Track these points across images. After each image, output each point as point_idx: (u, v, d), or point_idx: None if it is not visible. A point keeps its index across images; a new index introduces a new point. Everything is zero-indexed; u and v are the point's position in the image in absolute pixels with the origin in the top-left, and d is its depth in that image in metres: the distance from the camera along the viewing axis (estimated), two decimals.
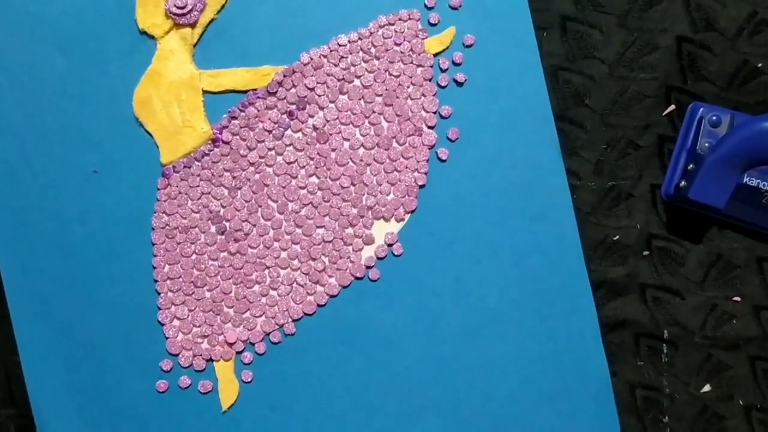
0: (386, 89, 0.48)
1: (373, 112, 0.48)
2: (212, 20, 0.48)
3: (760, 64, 0.49)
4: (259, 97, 0.48)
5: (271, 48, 0.48)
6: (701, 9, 0.49)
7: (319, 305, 0.48)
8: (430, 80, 0.48)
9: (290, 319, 0.48)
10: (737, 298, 0.49)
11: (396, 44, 0.48)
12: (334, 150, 0.48)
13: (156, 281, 0.48)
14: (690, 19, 0.49)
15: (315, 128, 0.48)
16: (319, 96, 0.48)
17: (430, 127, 0.48)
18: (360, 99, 0.48)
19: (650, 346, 0.50)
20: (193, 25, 0.48)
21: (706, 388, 0.49)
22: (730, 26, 0.49)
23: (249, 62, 0.48)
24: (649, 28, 0.50)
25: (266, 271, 0.48)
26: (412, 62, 0.48)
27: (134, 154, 0.48)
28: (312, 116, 0.48)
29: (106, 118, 0.48)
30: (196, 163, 0.48)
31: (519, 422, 0.48)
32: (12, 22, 0.48)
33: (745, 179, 0.48)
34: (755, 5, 0.49)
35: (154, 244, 0.48)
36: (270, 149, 0.48)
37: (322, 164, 0.48)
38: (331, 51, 0.48)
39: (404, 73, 0.48)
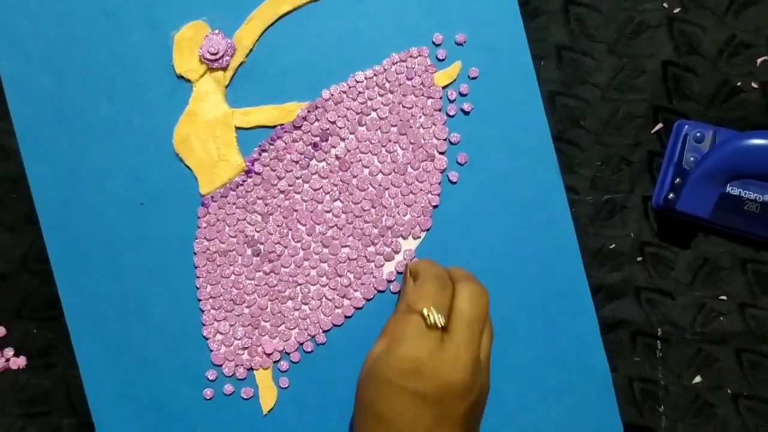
0: (400, 120, 0.50)
1: (389, 141, 0.50)
2: (242, 63, 0.50)
3: (739, 83, 0.51)
4: (286, 132, 0.50)
5: (295, 86, 0.50)
6: (684, 35, 0.51)
7: (346, 317, 0.50)
8: (439, 110, 0.50)
9: (321, 330, 0.50)
10: (723, 297, 0.51)
11: (408, 79, 0.50)
12: (355, 177, 0.50)
13: (199, 300, 0.50)
14: (674, 44, 0.51)
15: (337, 158, 0.50)
16: (340, 128, 0.50)
17: (441, 153, 0.50)
18: (377, 130, 0.50)
19: (646, 343, 0.51)
20: (224, 69, 0.50)
21: (697, 379, 0.51)
22: (711, 49, 0.51)
23: (276, 100, 0.50)
24: (636, 54, 0.51)
25: (298, 288, 0.50)
26: (423, 95, 0.50)
27: (176, 187, 0.50)
28: (334, 147, 0.50)
29: (150, 155, 0.50)
30: (232, 192, 0.50)
31: (529, 415, 0.50)
32: (63, 73, 0.50)
33: (728, 189, 0.49)
34: (733, 29, 0.51)
35: (196, 267, 0.50)
36: (297, 178, 0.50)
37: (345, 190, 0.50)
38: (349, 87, 0.50)
39: (416, 105, 0.50)
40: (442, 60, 0.51)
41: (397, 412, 0.40)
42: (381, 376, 0.41)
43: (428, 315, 0.41)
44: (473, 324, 0.42)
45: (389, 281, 0.50)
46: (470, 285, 0.43)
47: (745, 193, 0.49)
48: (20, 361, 0.51)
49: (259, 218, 0.50)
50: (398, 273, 0.50)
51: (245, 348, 0.50)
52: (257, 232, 0.50)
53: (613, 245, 0.52)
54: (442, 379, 0.40)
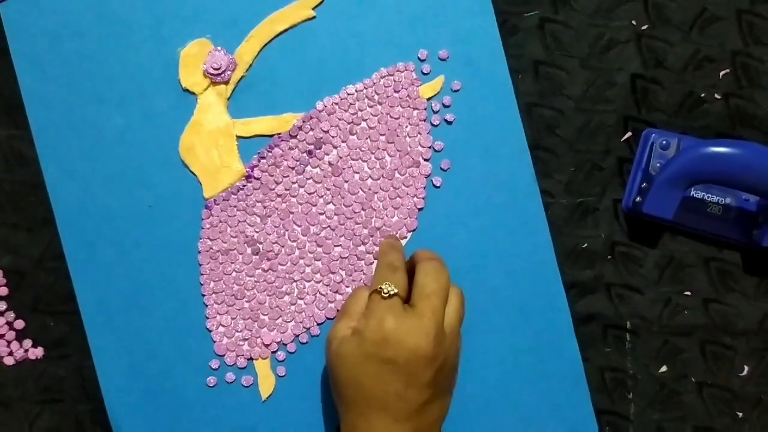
0: (388, 129, 0.52)
1: (378, 148, 0.52)
2: (242, 77, 0.52)
3: (703, 94, 0.53)
4: (283, 140, 0.52)
5: (291, 98, 0.52)
6: (651, 50, 0.53)
7: (338, 311, 0.52)
8: (424, 120, 0.52)
9: (315, 323, 0.52)
10: (688, 293, 0.53)
11: (395, 91, 0.52)
12: (346, 181, 0.52)
13: (203, 295, 0.52)
14: (642, 58, 0.53)
15: (330, 164, 0.52)
16: (333, 137, 0.52)
17: (425, 160, 0.52)
18: (367, 138, 0.52)
19: (616, 335, 0.53)
20: (226, 83, 0.52)
21: (663, 368, 0.53)
22: (677, 63, 0.53)
23: (273, 111, 0.52)
24: (607, 68, 0.53)
25: (294, 284, 0.52)
26: (409, 106, 0.52)
27: (182, 191, 0.52)
28: (327, 154, 0.52)
29: (157, 162, 0.52)
30: (233, 196, 0.52)
31: (507, 402, 0.52)
32: (77, 86, 0.52)
33: (692, 192, 0.51)
34: (698, 44, 0.52)
35: (200, 265, 0.52)
36: (294, 183, 0.52)
37: (338, 194, 0.52)
38: (341, 99, 0.52)
39: (403, 116, 0.52)
40: (427, 74, 0.53)
41: (373, 379, 0.44)
42: (355, 352, 0.44)
43: (381, 288, 0.45)
44: (432, 297, 0.45)
45: None
46: (429, 262, 0.46)
47: (708, 197, 0.52)
48: (38, 352, 0.53)
49: (258, 220, 0.52)
50: None
51: (245, 339, 0.52)
52: (256, 232, 0.52)
53: (586, 245, 0.53)
54: (409, 346, 0.43)
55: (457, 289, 0.47)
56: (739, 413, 0.53)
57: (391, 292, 0.45)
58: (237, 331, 0.53)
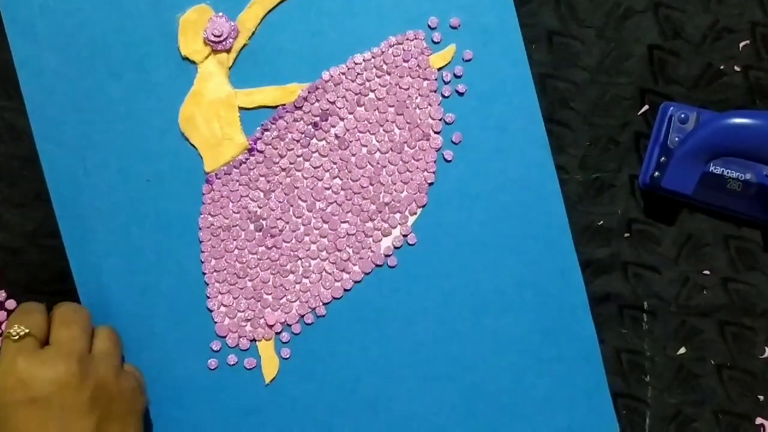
0: (397, 101, 0.51)
1: (387, 120, 0.51)
2: (245, 46, 0.51)
3: (722, 67, 0.52)
4: (287, 111, 0.51)
5: (296, 68, 0.51)
6: (669, 20, 0.52)
7: (345, 290, 0.52)
8: (435, 91, 0.51)
9: (321, 303, 0.52)
10: (707, 272, 0.53)
11: (404, 61, 0.51)
12: (354, 155, 0.51)
13: (204, 274, 0.51)
14: (659, 29, 0.52)
15: (337, 137, 0.52)
16: (340, 108, 0.51)
17: (436, 132, 0.52)
18: (375, 110, 0.51)
19: (632, 316, 0.53)
20: (228, 51, 0.51)
21: (682, 350, 0.53)
22: (695, 34, 0.52)
23: (278, 81, 0.51)
24: (624, 39, 0.52)
25: (299, 262, 0.51)
26: (419, 76, 0.51)
27: (181, 165, 0.51)
28: (334, 126, 0.51)
29: (156, 134, 0.51)
30: (235, 170, 0.51)
31: (521, 385, 0.52)
32: (72, 55, 0.51)
33: (711, 168, 0.51)
34: (716, 15, 0.52)
35: (201, 242, 0.51)
36: (299, 156, 0.51)
37: (344, 168, 0.51)
38: (348, 69, 0.51)
39: (412, 86, 0.51)
40: (438, 43, 0.52)
41: (26, 425, 0.42)
42: None
43: (9, 333, 0.44)
44: (61, 328, 0.45)
45: (387, 256, 0.52)
46: (60, 305, 0.47)
47: (728, 172, 0.51)
48: None
49: (262, 195, 0.52)
50: (395, 248, 0.52)
51: (248, 320, 0.52)
52: (260, 208, 0.52)
53: (602, 222, 0.53)
54: (49, 377, 0.42)
55: (107, 328, 0.48)
56: (759, 396, 0.53)
57: (21, 333, 0.44)
58: (239, 311, 0.52)
